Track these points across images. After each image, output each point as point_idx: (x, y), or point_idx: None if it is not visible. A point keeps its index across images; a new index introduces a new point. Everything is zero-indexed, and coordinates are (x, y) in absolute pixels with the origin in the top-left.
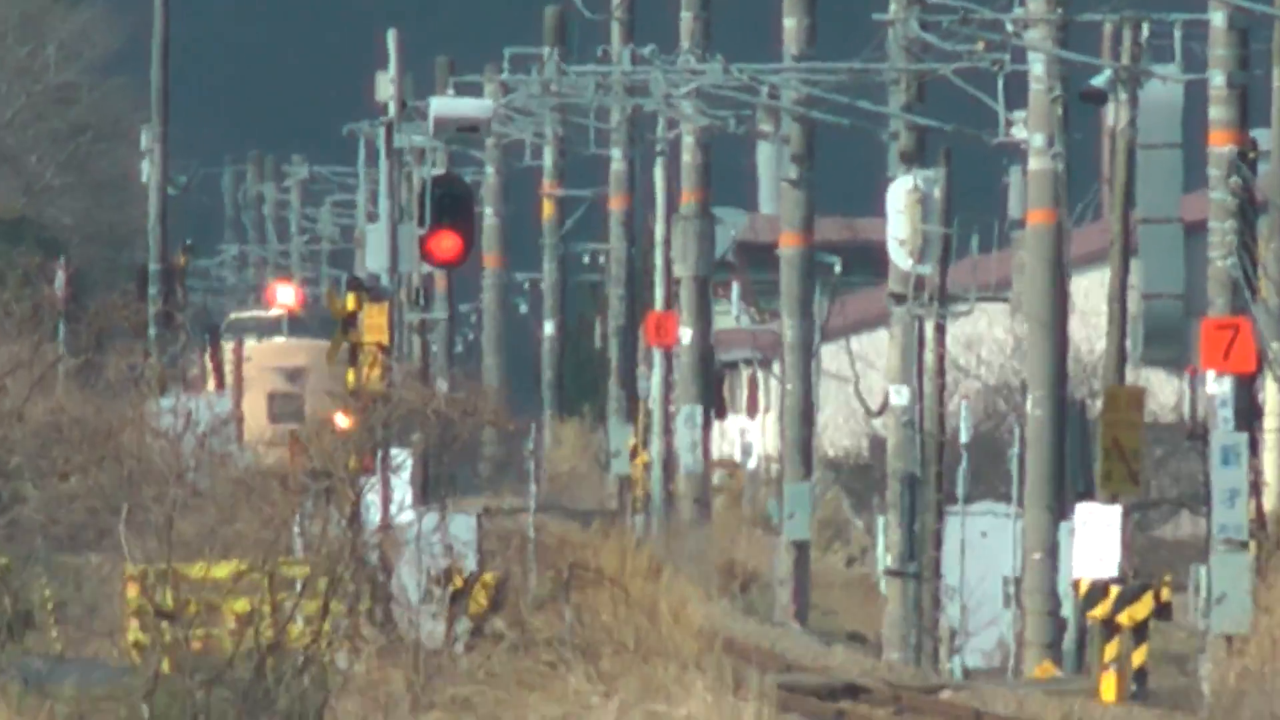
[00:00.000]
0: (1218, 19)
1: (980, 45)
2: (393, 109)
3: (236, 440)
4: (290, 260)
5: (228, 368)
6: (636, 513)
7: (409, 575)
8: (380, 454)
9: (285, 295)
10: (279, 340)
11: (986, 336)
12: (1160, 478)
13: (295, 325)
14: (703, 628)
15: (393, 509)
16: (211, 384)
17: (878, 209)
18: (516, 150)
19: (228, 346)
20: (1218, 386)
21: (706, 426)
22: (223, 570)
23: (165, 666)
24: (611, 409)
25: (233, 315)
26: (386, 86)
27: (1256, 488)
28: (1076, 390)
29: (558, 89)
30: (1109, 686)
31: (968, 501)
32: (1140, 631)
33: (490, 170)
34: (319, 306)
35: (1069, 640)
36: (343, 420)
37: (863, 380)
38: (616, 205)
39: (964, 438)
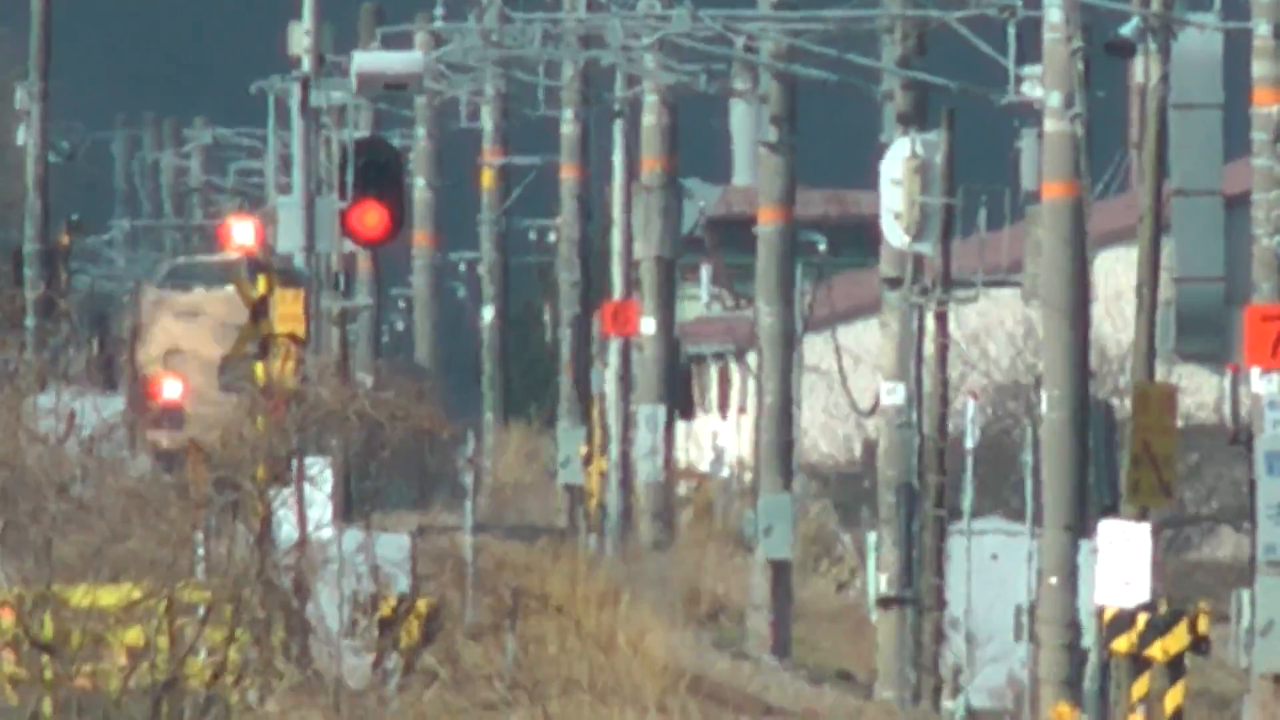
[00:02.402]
0: None
1: None
2: (308, 63)
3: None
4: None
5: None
6: (590, 530)
7: (328, 601)
8: (295, 462)
9: (243, 234)
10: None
11: (995, 326)
12: (1196, 489)
13: (257, 272)
14: (667, 663)
15: (309, 525)
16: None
17: (870, 179)
18: (452, 111)
19: (174, 299)
20: (1264, 384)
21: (670, 429)
22: (111, 596)
23: (46, 707)
24: (562, 410)
25: (180, 259)
26: (301, 38)
27: None
28: (1100, 388)
29: (500, 39)
30: None
31: (974, 517)
32: (1175, 668)
33: (421, 134)
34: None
35: (1090, 678)
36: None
37: (851, 376)
38: (568, 175)
39: (969, 442)
